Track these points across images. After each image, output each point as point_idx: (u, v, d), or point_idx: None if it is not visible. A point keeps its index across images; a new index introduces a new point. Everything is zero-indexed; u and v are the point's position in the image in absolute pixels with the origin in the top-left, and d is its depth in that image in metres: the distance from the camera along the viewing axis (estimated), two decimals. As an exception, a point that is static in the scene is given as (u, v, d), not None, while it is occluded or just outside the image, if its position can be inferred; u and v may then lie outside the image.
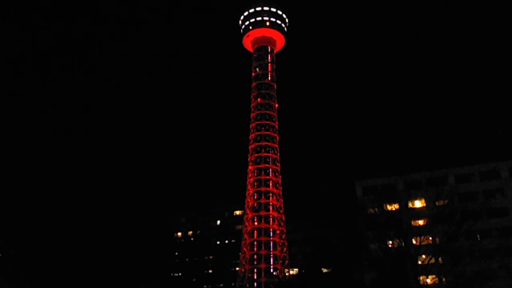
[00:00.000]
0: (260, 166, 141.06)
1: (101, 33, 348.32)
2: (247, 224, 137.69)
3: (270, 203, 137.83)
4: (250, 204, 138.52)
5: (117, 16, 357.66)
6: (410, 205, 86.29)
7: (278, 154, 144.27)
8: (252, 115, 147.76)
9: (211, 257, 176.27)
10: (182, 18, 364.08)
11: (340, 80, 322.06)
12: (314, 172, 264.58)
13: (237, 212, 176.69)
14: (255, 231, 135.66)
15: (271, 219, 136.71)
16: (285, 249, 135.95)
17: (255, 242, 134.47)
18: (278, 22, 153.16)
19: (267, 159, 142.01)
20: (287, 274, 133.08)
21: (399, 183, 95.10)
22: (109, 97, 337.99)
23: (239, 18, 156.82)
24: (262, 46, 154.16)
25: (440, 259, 61.39)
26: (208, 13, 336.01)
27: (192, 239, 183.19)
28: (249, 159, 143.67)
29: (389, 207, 60.09)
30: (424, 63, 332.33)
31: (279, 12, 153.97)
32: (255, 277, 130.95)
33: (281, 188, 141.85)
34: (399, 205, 61.26)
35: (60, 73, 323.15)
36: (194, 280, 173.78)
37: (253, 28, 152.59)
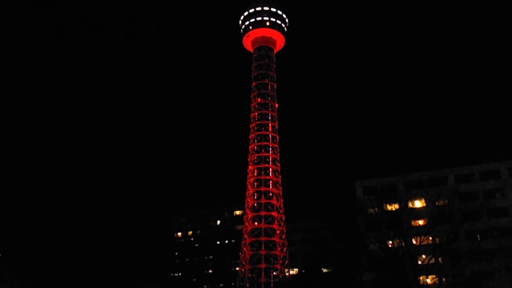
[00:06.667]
0: (260, 166, 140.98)
1: (100, 33, 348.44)
2: (247, 224, 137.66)
3: (270, 203, 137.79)
4: (250, 204, 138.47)
5: (116, 16, 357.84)
6: (410, 205, 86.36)
7: (278, 154, 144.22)
8: (252, 115, 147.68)
9: (211, 257, 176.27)
10: (182, 18, 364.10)
11: (340, 80, 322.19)
12: (314, 172, 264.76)
13: (237, 212, 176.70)
14: (255, 231, 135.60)
15: (271, 219, 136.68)
16: (285, 249, 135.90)
17: (255, 242, 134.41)
18: (278, 22, 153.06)
19: (267, 159, 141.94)
20: (287, 274, 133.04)
21: (399, 183, 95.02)
22: (109, 97, 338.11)
23: (239, 18, 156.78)
24: (262, 46, 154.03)
25: (440, 259, 61.36)
26: (208, 13, 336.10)
27: (192, 239, 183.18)
28: (249, 159, 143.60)
29: (389, 207, 60.06)
30: (424, 63, 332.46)
31: (279, 12, 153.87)
32: (255, 277, 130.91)
33: (281, 188, 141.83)
34: (399, 205, 61.23)
35: (60, 72, 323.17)
36: (194, 280, 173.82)
37: (253, 28, 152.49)
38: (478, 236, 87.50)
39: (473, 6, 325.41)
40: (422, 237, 57.10)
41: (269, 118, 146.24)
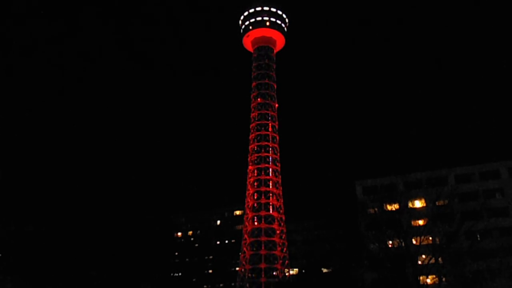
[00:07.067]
0: (260, 166, 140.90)
1: (101, 34, 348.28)
2: (247, 224, 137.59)
3: (270, 203, 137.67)
4: (250, 204, 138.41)
5: (117, 17, 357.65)
6: (410, 205, 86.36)
7: (278, 154, 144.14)
8: (252, 115, 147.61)
9: (211, 257, 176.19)
10: (182, 18, 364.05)
11: (340, 80, 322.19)
12: (314, 172, 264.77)
13: (237, 212, 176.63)
14: (255, 231, 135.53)
15: (271, 219, 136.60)
16: (285, 249, 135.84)
17: (255, 242, 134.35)
18: (278, 22, 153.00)
19: (267, 159, 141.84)
20: (287, 274, 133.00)
21: (399, 183, 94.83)
22: (110, 97, 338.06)
23: (239, 18, 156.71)
24: (262, 46, 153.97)
25: (440, 259, 61.32)
26: (208, 13, 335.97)
27: (192, 239, 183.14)
28: (249, 159, 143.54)
29: (389, 207, 60.04)
30: (424, 63, 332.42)
31: (279, 12, 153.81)
32: (255, 277, 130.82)
33: (281, 188, 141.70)
34: (399, 205, 61.17)
35: (61, 72, 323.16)
36: (194, 280, 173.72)
37: (253, 28, 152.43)
38: (478, 236, 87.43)
39: (474, 5, 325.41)
40: (422, 237, 57.00)
41: (269, 118, 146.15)
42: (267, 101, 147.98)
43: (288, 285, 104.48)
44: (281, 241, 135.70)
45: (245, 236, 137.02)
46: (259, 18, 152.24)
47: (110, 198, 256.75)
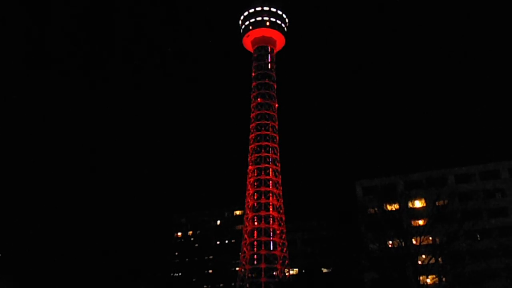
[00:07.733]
0: (260, 166, 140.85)
1: (101, 35, 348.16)
2: (247, 224, 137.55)
3: (270, 203, 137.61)
4: (250, 204, 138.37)
5: (117, 18, 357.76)
6: (410, 205, 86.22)
7: (278, 154, 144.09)
8: (252, 115, 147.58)
9: (211, 257, 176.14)
10: (182, 18, 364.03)
11: (340, 80, 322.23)
12: (314, 172, 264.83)
13: (237, 212, 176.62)
14: (255, 231, 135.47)
15: (271, 219, 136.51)
16: (285, 249, 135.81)
17: (255, 242, 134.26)
18: (278, 22, 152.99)
19: (267, 159, 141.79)
20: (287, 274, 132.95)
21: (399, 183, 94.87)
22: (110, 97, 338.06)
23: (239, 18, 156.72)
24: (262, 46, 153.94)
25: (440, 259, 61.29)
26: (208, 13, 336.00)
27: (192, 239, 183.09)
28: (249, 159, 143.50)
29: (389, 207, 59.95)
30: (424, 63, 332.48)
31: (279, 12, 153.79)
32: (255, 277, 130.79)
33: (281, 188, 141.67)
34: (399, 205, 61.09)
35: (61, 73, 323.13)
36: (194, 280, 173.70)
37: (253, 28, 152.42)
38: (478, 236, 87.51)
39: (474, 5, 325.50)
40: (422, 237, 56.96)
41: (269, 118, 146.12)
42: (267, 101, 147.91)
43: (288, 285, 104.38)
44: (281, 241, 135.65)
45: (245, 236, 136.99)
46: (259, 18, 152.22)
47: (111, 198, 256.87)
